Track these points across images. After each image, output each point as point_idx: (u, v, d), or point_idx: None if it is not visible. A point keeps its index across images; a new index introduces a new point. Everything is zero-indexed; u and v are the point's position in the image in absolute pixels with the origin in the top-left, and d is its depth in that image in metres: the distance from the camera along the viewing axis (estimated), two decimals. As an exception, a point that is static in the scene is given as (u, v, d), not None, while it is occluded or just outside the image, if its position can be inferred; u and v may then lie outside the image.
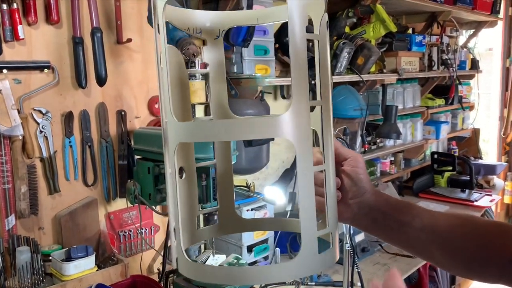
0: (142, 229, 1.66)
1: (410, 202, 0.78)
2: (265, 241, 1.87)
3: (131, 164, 1.64)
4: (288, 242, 1.95)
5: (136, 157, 1.51)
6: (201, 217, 1.30)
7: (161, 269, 1.62)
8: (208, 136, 0.52)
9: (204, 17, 0.69)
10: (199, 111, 1.84)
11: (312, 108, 0.55)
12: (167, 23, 1.44)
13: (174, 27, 1.44)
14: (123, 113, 1.61)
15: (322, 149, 0.57)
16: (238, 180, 1.82)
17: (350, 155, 0.70)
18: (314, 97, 0.57)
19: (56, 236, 1.52)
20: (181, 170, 1.29)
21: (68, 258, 1.40)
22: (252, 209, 1.79)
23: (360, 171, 0.70)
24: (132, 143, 1.60)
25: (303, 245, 0.52)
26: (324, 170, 0.57)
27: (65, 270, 1.35)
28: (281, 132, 0.50)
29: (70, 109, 1.50)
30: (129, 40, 1.56)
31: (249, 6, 1.59)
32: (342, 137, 1.56)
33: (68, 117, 1.49)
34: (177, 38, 1.32)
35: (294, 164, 1.85)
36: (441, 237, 0.74)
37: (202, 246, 1.73)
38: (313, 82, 0.60)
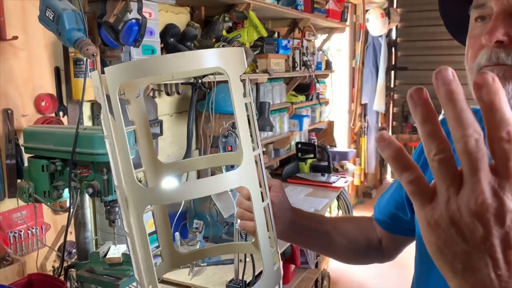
0: (35, 228, 1.65)
1: (318, 214, 1.00)
2: (154, 232, 1.98)
3: (19, 163, 1.61)
4: (179, 231, 2.09)
5: (27, 155, 1.49)
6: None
7: (56, 266, 1.63)
8: (181, 197, 0.57)
9: None
10: (87, 108, 1.87)
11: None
12: (62, 19, 1.45)
13: (71, 27, 1.46)
14: (9, 111, 1.57)
15: (264, 188, 0.69)
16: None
17: (273, 184, 0.89)
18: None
19: None
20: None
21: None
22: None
23: (281, 195, 0.89)
24: (22, 141, 1.57)
25: (265, 265, 0.62)
26: (268, 203, 0.69)
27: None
28: (240, 182, 0.57)
29: (-49, 108, 1.43)
30: (15, 37, 1.53)
31: (139, 9, 1.68)
32: (232, 130, 1.75)
33: (-51, 117, 1.42)
34: (75, 38, 1.35)
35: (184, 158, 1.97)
36: (341, 235, 0.98)
37: (99, 238, 1.77)
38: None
